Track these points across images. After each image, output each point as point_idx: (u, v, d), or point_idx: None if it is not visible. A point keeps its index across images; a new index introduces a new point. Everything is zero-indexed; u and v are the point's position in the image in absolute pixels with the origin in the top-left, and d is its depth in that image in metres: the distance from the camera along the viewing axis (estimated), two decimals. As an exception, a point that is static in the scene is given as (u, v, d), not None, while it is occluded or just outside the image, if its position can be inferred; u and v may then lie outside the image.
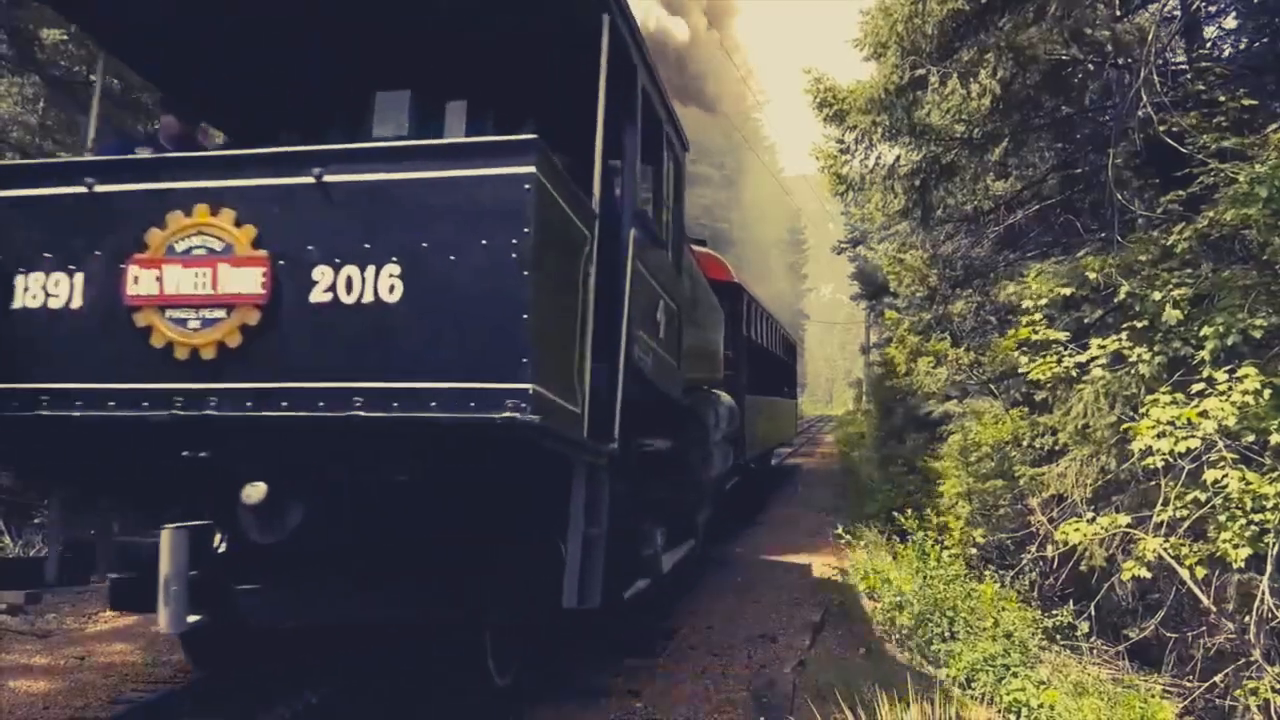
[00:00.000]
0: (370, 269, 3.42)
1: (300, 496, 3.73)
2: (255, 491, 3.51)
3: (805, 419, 55.96)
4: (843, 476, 22.63)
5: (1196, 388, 6.32)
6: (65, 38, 12.40)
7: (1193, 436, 6.08)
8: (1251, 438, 6.07)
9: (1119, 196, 8.27)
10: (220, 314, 3.52)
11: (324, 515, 3.85)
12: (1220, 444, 6.07)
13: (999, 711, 6.35)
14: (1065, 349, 7.39)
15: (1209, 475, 6.01)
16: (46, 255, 3.70)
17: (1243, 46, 9.78)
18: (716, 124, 42.81)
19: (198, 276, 3.54)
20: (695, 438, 7.65)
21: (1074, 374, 7.23)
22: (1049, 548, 7.91)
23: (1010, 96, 9.41)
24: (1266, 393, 5.95)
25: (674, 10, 31.06)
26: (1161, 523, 6.49)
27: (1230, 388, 6.07)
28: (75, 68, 13.16)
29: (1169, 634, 7.53)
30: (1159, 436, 6.18)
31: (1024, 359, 7.65)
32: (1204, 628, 7.19)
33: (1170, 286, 6.74)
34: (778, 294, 51.81)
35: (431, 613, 4.30)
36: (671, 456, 6.43)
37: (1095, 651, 8.28)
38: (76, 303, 3.66)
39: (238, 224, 3.55)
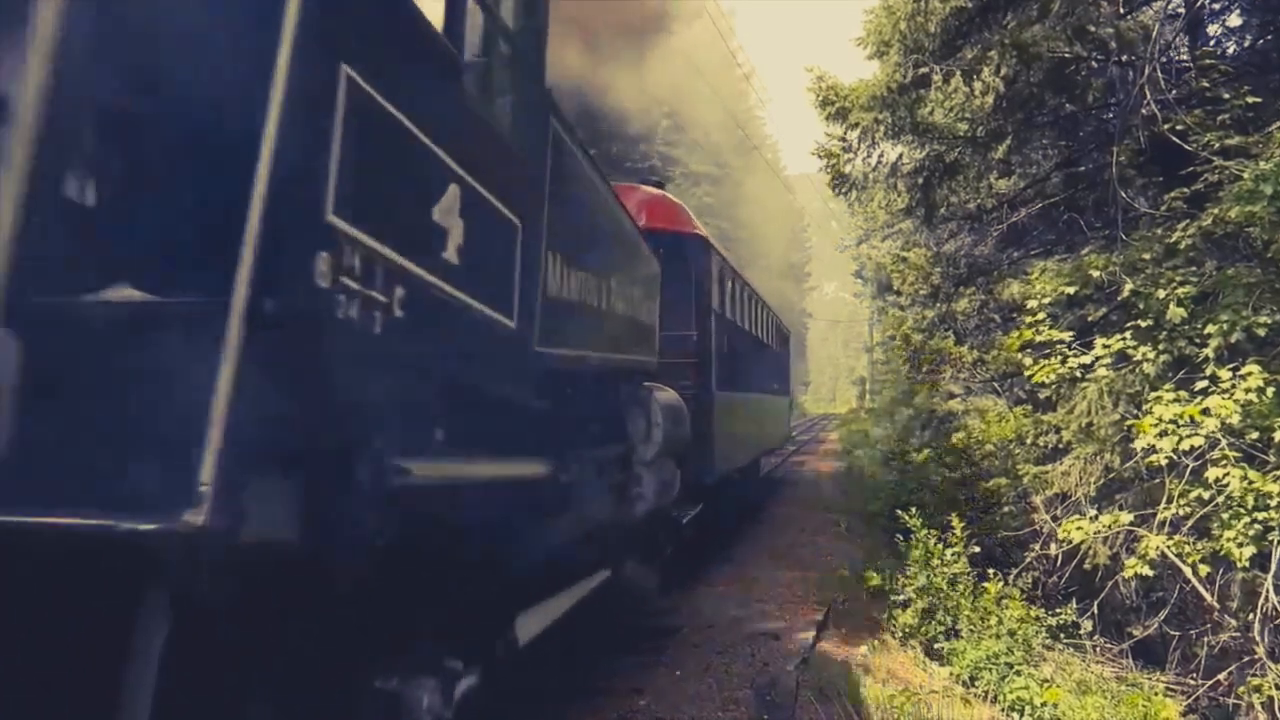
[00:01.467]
0: None
1: None
2: None
3: (809, 417, 56.05)
4: (848, 486, 19.31)
5: (1200, 385, 6.32)
6: None
7: (1196, 435, 6.08)
8: (1255, 435, 6.07)
9: (1123, 194, 8.26)
10: None
11: None
12: (1223, 442, 6.07)
13: (1002, 710, 6.35)
14: (1069, 349, 7.40)
15: (1211, 473, 6.02)
16: None
17: (1246, 44, 9.76)
18: (719, 122, 42.81)
19: None
20: (597, 459, 5.12)
21: (1078, 375, 7.23)
22: (1052, 546, 7.91)
23: (1013, 94, 9.40)
24: (1270, 390, 5.95)
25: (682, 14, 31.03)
26: (1165, 521, 6.49)
27: (1234, 385, 6.07)
28: None
29: (1172, 632, 7.53)
30: (1161, 435, 6.19)
31: (1028, 361, 7.65)
32: (1208, 626, 7.19)
33: (1174, 284, 6.74)
34: (780, 291, 51.81)
35: None
36: (537, 495, 3.96)
37: (1099, 650, 8.27)
38: None
39: None
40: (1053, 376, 7.29)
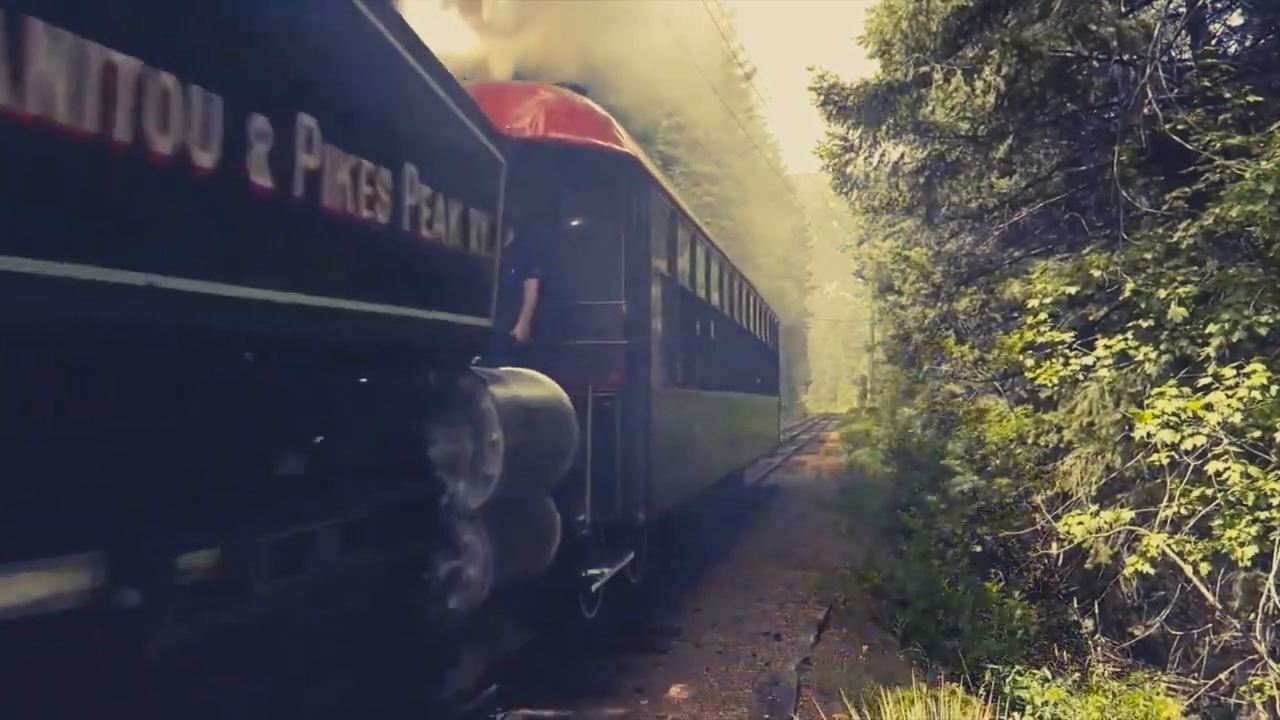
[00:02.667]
0: None
1: None
2: None
3: (811, 417, 55.99)
4: (853, 494, 16.34)
5: (1203, 383, 6.32)
6: None
7: (1198, 434, 6.08)
8: (1257, 434, 6.07)
9: (1124, 194, 8.25)
10: None
11: None
12: (1225, 440, 6.07)
13: (1003, 709, 6.35)
14: (1070, 350, 7.39)
15: (1211, 466, 6.02)
16: None
17: (1248, 43, 9.75)
18: (720, 122, 42.85)
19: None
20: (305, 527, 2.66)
21: (1080, 376, 7.23)
22: (1054, 545, 7.91)
23: (1014, 93, 9.39)
24: (1273, 389, 5.95)
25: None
26: (1166, 519, 6.49)
27: (1236, 384, 6.07)
28: None
29: (1174, 631, 7.53)
30: (1163, 427, 6.18)
31: (1030, 363, 7.64)
32: (1209, 625, 7.19)
33: (1175, 284, 6.75)
34: (781, 290, 51.79)
35: None
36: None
37: (1100, 649, 8.27)
38: None
39: None
40: (1055, 379, 7.28)
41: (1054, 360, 7.35)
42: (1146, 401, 6.54)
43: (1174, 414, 6.16)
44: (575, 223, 6.55)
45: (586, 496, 5.55)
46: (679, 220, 7.93)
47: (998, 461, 9.68)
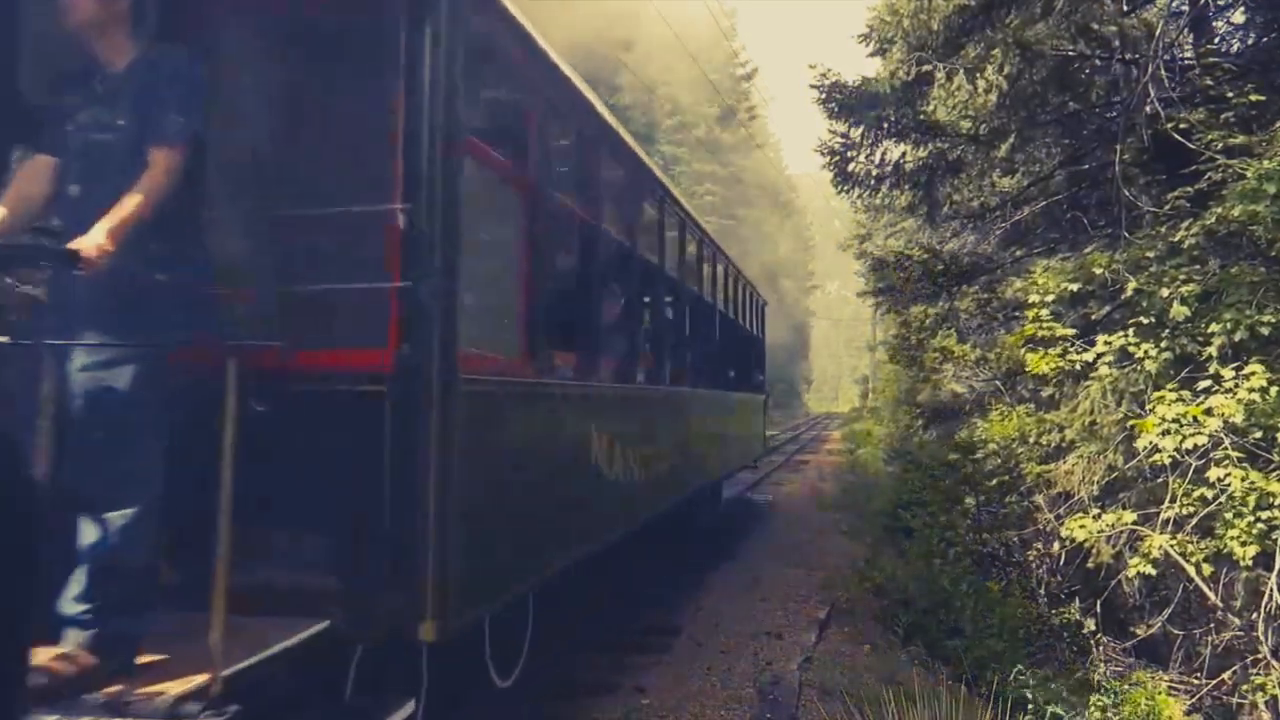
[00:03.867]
0: None
1: None
2: None
3: (812, 415, 56.04)
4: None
5: (1204, 384, 6.31)
6: None
7: (1199, 434, 6.08)
8: (1259, 434, 6.06)
9: (1126, 193, 8.24)
10: None
11: None
12: (1226, 441, 6.07)
13: (1005, 709, 6.34)
14: (1071, 345, 7.39)
15: (1213, 473, 6.02)
16: None
17: (1251, 42, 9.73)
18: (722, 121, 42.87)
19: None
20: None
21: (1079, 369, 7.23)
22: (1055, 544, 7.90)
23: (1017, 92, 9.38)
24: (1273, 390, 5.95)
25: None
26: (1168, 520, 6.48)
27: (1237, 384, 6.07)
28: None
29: (1176, 631, 7.52)
30: (1164, 434, 6.18)
31: (1030, 356, 7.64)
32: (1211, 624, 7.18)
33: (1178, 283, 6.74)
34: (783, 290, 51.77)
35: None
36: None
37: (1102, 648, 8.27)
38: None
39: None
40: (1053, 367, 7.27)
41: (1053, 350, 7.34)
42: (1148, 406, 6.54)
43: (1175, 420, 6.17)
44: (296, 56, 3.26)
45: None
46: (547, 74, 4.30)
47: (999, 460, 9.68)
